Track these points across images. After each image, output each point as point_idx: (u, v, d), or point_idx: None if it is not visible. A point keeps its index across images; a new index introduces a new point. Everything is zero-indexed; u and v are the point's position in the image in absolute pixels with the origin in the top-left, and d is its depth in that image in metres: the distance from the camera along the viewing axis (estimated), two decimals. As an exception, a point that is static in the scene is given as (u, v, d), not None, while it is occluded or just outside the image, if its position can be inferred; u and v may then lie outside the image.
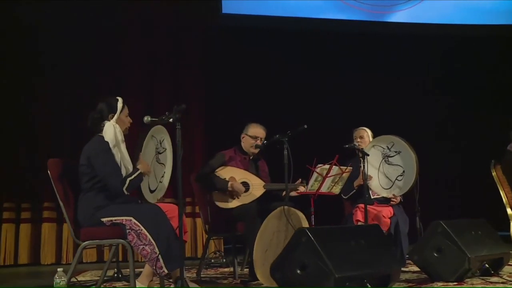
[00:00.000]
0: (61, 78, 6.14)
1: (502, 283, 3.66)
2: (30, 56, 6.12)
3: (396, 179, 4.68)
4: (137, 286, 3.51)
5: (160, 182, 3.94)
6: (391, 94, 7.04)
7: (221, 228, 4.46)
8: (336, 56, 6.99)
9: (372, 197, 4.93)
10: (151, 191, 3.90)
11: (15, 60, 6.08)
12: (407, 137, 4.68)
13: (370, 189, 4.91)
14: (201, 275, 4.45)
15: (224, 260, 5.33)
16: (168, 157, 3.88)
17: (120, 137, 3.64)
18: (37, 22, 6.11)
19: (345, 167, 4.30)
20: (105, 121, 3.64)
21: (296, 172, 4.16)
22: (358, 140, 4.96)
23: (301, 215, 3.95)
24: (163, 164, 3.90)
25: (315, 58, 6.93)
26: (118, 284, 4.17)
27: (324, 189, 4.26)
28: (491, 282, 3.70)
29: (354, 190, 4.87)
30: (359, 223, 4.58)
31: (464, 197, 6.67)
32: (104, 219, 3.51)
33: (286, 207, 3.92)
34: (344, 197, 4.98)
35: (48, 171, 3.59)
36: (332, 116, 6.75)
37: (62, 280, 3.39)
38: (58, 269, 3.42)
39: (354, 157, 4.84)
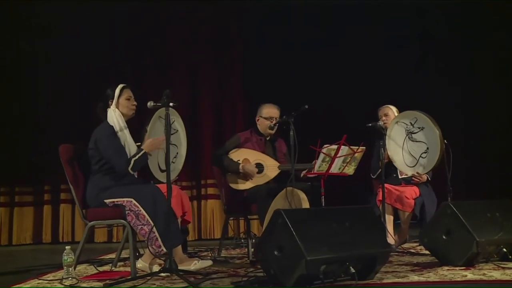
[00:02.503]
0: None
1: (516, 269, 3.39)
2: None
3: (420, 156, 4.44)
4: (137, 264, 3.68)
5: (173, 162, 4.07)
6: (415, 70, 6.64)
7: (238, 209, 4.51)
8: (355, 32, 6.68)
9: (400, 177, 4.76)
10: (162, 171, 4.02)
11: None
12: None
13: (398, 169, 4.73)
14: (220, 255, 4.54)
15: (254, 240, 5.36)
16: (181, 138, 4.00)
17: (122, 122, 3.81)
18: (65, 13, 6.43)
19: (357, 147, 4.17)
20: (108, 108, 3.84)
21: (308, 153, 4.11)
22: (383, 118, 4.78)
23: (303, 196, 3.92)
24: (175, 145, 4.02)
25: (333, 35, 6.68)
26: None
27: (334, 170, 4.17)
28: (503, 268, 3.43)
29: (381, 169, 4.71)
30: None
31: (502, 177, 6.14)
32: (107, 201, 3.71)
33: (289, 188, 3.91)
34: (372, 176, 4.87)
35: (60, 156, 3.83)
36: (353, 94, 6.49)
37: (69, 257, 3.62)
38: (66, 247, 3.64)
39: (380, 136, 4.67)
